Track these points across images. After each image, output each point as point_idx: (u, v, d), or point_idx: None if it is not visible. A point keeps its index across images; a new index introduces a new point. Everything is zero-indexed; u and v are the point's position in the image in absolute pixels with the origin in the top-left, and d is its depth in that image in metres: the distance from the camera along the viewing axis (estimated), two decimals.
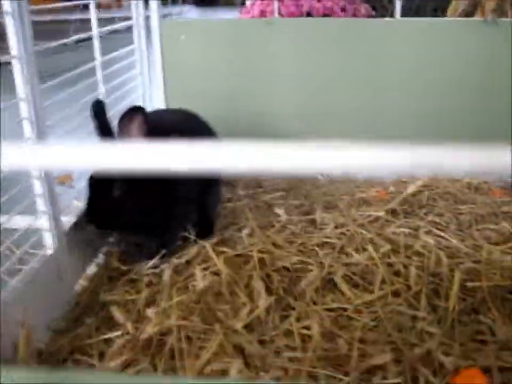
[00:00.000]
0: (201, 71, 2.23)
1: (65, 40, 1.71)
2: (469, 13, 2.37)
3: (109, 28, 2.05)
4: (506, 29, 2.12)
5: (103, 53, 1.92)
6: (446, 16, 2.52)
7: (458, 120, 2.22)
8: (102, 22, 1.89)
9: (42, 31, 1.70)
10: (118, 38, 2.27)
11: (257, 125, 2.25)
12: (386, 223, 1.80)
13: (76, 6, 2.60)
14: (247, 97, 2.23)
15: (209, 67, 2.22)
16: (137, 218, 1.53)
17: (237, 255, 1.64)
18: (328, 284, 1.50)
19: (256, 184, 2.16)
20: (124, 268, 1.62)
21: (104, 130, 1.49)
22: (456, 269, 1.52)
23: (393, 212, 1.89)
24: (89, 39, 1.90)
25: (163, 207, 1.56)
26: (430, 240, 1.68)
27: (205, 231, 1.77)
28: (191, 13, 10.55)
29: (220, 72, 2.22)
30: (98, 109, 1.50)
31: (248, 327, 1.33)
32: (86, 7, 1.98)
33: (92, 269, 1.67)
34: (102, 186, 1.48)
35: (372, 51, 2.17)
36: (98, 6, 1.93)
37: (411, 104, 2.21)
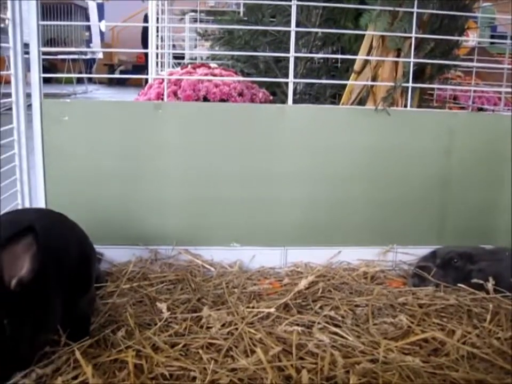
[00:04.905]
0: (85, 155, 2.07)
1: None
2: (363, 100, 2.39)
3: None
4: (396, 118, 2.14)
5: None
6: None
7: (351, 209, 2.18)
8: None
9: None
10: None
11: (144, 213, 2.10)
12: (278, 320, 1.67)
13: None
14: (134, 184, 2.08)
15: (94, 151, 2.06)
16: None
17: (111, 360, 1.45)
18: None
19: (142, 276, 1.98)
20: None
21: None
22: (352, 371, 1.40)
23: (286, 307, 1.76)
24: None
25: None
26: (325, 338, 1.56)
27: (77, 332, 1.57)
28: (98, 92, 10.49)
29: (105, 156, 2.07)
30: None
31: None
32: None
33: None
34: None
35: (265, 137, 2.11)
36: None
37: (302, 192, 2.15)
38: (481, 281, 1.92)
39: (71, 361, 1.43)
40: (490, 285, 1.89)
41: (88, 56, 10.56)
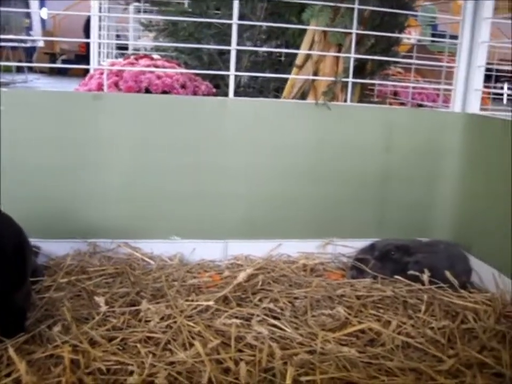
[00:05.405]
0: (21, 146, 2.00)
1: None
2: (305, 95, 2.40)
3: None
4: (337, 113, 2.17)
5: None
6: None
7: (291, 203, 2.19)
8: None
9: None
10: None
11: (83, 205, 2.06)
12: (217, 313, 1.67)
13: None
14: (72, 176, 2.04)
15: (31, 142, 2.00)
16: None
17: (47, 356, 1.42)
18: None
19: (80, 269, 1.94)
20: None
21: None
22: (290, 362, 1.42)
23: (225, 300, 1.77)
24: None
25: None
26: (263, 330, 1.57)
27: (12, 327, 1.52)
28: (39, 81, 10.18)
29: (42, 148, 2.00)
30: None
31: None
32: None
33: None
34: None
35: (207, 130, 2.10)
36: None
37: (243, 186, 2.15)
38: (417, 273, 1.97)
39: (4, 359, 1.39)
40: (425, 276, 1.95)
41: (28, 44, 10.23)
